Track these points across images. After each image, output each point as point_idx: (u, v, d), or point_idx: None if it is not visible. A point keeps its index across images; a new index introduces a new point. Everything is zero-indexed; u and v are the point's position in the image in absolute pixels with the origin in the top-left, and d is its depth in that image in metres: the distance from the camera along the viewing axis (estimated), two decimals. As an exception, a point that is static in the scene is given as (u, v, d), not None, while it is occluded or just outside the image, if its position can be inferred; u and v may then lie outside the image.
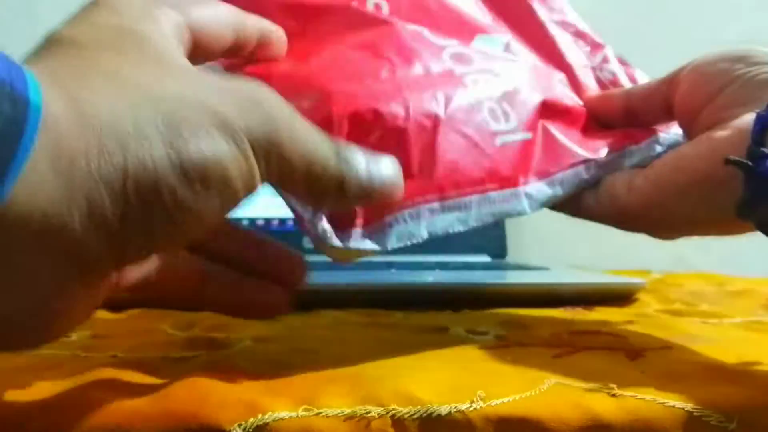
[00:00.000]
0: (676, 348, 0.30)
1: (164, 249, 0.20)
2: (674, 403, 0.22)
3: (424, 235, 0.28)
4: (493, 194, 0.30)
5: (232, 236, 0.29)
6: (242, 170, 0.20)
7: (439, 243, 0.29)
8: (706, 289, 0.55)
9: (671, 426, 0.22)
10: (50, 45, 0.21)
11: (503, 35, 0.37)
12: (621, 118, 0.36)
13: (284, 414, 0.20)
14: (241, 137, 0.20)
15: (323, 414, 0.21)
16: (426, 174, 0.28)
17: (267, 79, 0.27)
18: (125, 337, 0.32)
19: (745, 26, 0.85)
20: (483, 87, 0.32)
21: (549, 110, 0.34)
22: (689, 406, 0.22)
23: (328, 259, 0.27)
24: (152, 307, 0.39)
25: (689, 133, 0.33)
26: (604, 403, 0.22)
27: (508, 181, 0.31)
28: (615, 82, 0.39)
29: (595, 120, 0.36)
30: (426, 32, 0.33)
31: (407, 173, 0.27)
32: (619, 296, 0.47)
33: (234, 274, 0.28)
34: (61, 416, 0.21)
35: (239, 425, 0.20)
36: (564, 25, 0.41)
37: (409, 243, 0.27)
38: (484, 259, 0.71)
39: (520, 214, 0.31)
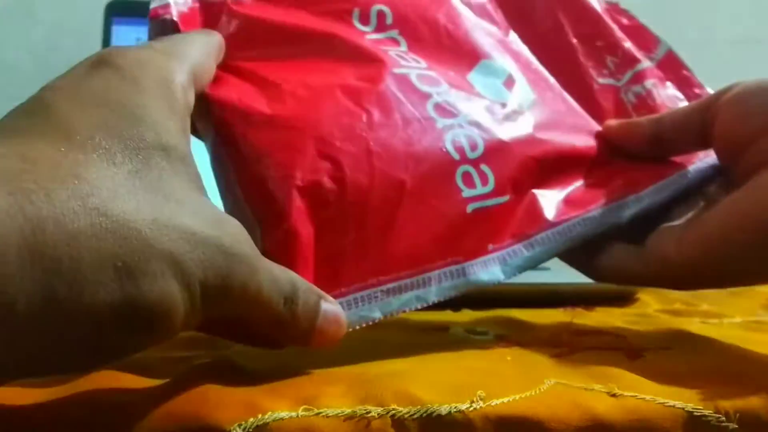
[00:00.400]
0: (676, 348, 0.30)
1: (81, 373, 0.20)
2: (674, 403, 0.22)
3: (377, 317, 0.26)
4: (455, 267, 0.28)
5: None
6: (187, 316, 0.19)
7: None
8: (706, 289, 0.55)
9: (671, 426, 0.22)
10: (38, 111, 0.20)
11: (507, 64, 0.34)
12: (648, 146, 0.34)
13: (284, 414, 0.20)
14: (195, 288, 0.19)
15: (323, 414, 0.21)
16: (381, 252, 0.27)
17: (244, 129, 0.27)
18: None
19: (742, 27, 0.86)
20: (462, 145, 0.29)
21: (538, 164, 0.31)
22: (689, 406, 0.22)
23: None
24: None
25: (732, 169, 0.31)
26: (604, 403, 0.22)
27: (476, 251, 0.29)
28: (640, 106, 0.37)
29: (617, 149, 0.34)
30: (413, 76, 0.31)
31: (361, 252, 0.26)
32: (619, 296, 0.47)
33: None
34: (61, 416, 0.21)
35: (239, 425, 0.20)
36: (589, 37, 0.38)
37: (362, 326, 0.26)
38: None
39: (491, 282, 0.29)
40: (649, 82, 0.38)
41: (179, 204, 0.20)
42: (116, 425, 0.20)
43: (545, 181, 0.32)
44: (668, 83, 0.38)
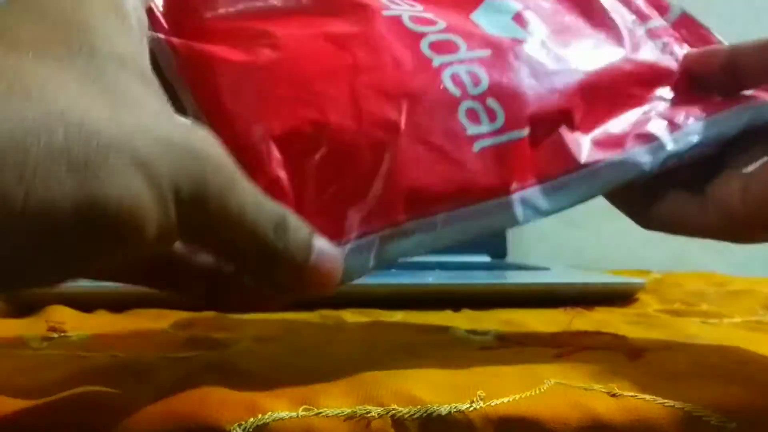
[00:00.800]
0: (676, 348, 0.30)
1: (47, 285, 0.18)
2: (674, 403, 0.22)
3: (370, 265, 0.25)
4: (464, 210, 0.26)
5: None
6: (161, 225, 0.18)
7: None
8: (706, 289, 0.55)
9: (671, 426, 0.22)
10: None
11: (517, 3, 0.32)
12: (723, 74, 0.32)
13: (284, 414, 0.20)
14: (165, 190, 0.17)
15: (323, 414, 0.21)
16: (376, 198, 0.25)
17: (215, 77, 0.25)
18: (125, 337, 0.32)
19: (740, 27, 0.86)
20: (462, 80, 0.27)
21: (558, 98, 0.29)
22: (689, 406, 0.22)
23: None
24: (152, 306, 0.39)
25: None
26: (604, 403, 0.22)
27: (489, 191, 0.27)
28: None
29: (693, 78, 0.32)
30: (405, 17, 0.29)
31: (353, 198, 0.25)
32: (619, 296, 0.47)
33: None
34: (61, 416, 0.21)
35: (239, 425, 0.20)
36: None
37: (355, 280, 0.24)
38: (484, 259, 0.71)
39: (510, 225, 0.27)
40: (660, 43, 0.35)
41: (140, 107, 0.18)
42: (116, 425, 0.20)
43: (569, 119, 0.30)
44: (685, 45, 0.36)
